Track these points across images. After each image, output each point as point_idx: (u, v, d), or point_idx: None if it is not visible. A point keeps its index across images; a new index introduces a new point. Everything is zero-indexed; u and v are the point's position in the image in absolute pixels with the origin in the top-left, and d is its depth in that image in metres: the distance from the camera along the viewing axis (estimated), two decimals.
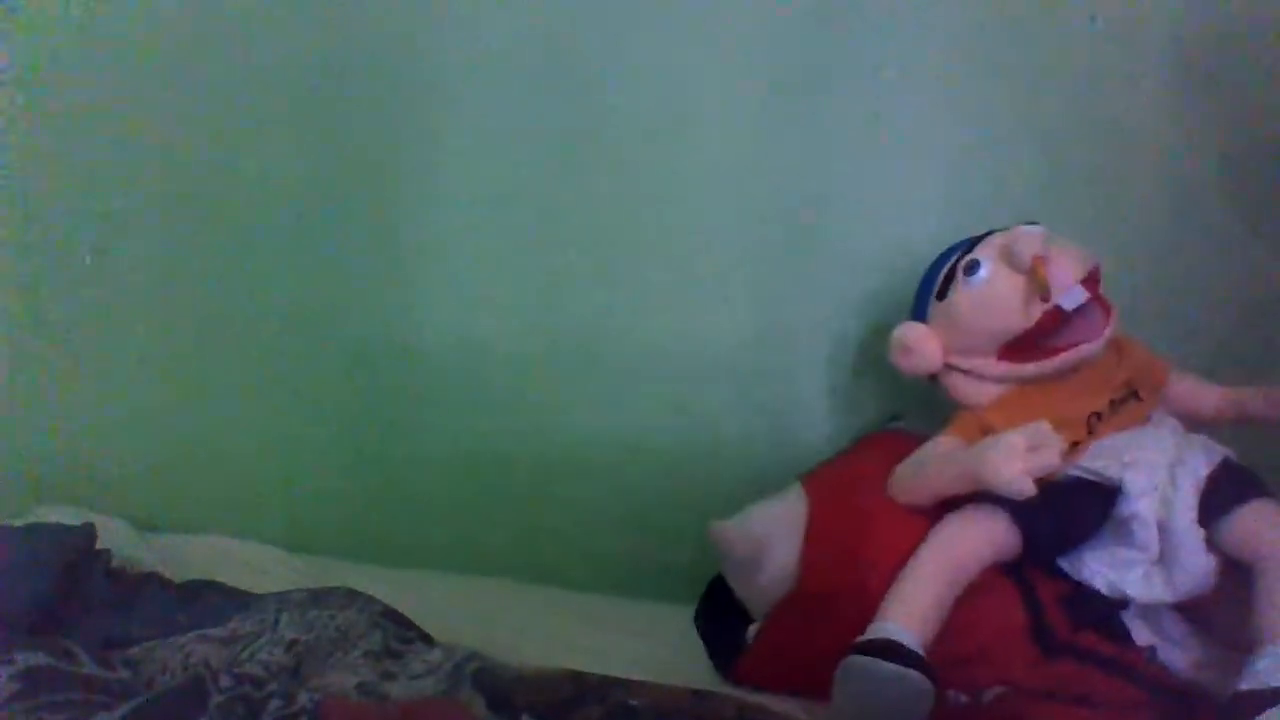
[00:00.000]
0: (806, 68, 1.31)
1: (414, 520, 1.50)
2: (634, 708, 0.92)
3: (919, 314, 1.14)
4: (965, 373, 1.10)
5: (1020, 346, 1.06)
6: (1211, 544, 0.97)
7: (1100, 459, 1.03)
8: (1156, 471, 0.99)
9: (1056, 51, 1.27)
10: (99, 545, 1.26)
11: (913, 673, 0.89)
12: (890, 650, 0.91)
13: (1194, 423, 1.13)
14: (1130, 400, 1.08)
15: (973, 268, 1.08)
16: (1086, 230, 1.29)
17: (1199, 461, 1.00)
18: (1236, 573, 0.96)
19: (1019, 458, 0.96)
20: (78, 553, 1.22)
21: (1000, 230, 1.11)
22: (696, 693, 0.96)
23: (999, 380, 1.08)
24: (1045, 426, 0.99)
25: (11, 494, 1.51)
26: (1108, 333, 1.05)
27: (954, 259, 1.12)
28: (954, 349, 1.10)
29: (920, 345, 1.10)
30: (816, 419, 1.36)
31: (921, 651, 0.93)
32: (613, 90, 1.35)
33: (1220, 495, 0.97)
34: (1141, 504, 0.98)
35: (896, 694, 0.90)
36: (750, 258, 1.37)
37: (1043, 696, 0.93)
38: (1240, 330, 1.25)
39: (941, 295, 1.11)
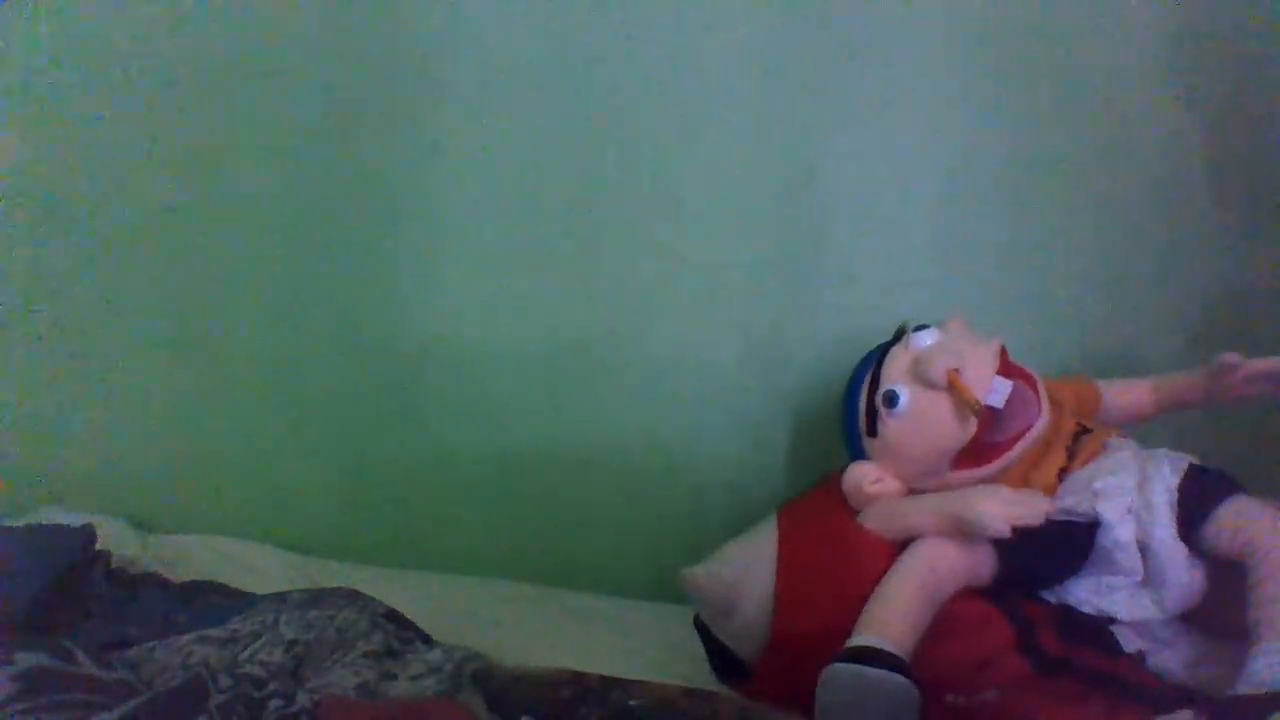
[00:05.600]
0: (809, 73, 1.31)
1: (413, 521, 1.50)
2: (634, 708, 0.93)
3: (858, 454, 1.13)
4: (929, 491, 1.09)
5: (969, 453, 1.06)
6: (1198, 551, 0.97)
7: (1070, 496, 1.03)
8: (1126, 494, 0.99)
9: (1057, 51, 1.28)
10: (99, 545, 1.26)
11: (895, 675, 0.89)
12: (871, 656, 0.91)
13: (1140, 422, 1.15)
14: (1083, 437, 1.09)
15: (891, 400, 1.08)
16: (1087, 227, 1.31)
17: (1165, 474, 0.99)
18: (1222, 569, 0.96)
19: (1002, 502, 0.98)
20: (78, 553, 1.22)
21: (894, 345, 1.11)
22: (695, 692, 0.96)
23: (962, 486, 1.07)
24: (1038, 494, 1.02)
25: (11, 494, 1.51)
26: (1044, 404, 1.06)
27: (864, 390, 1.11)
28: (908, 477, 1.10)
29: (879, 488, 1.10)
30: (813, 423, 1.36)
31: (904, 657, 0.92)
32: (617, 96, 1.35)
33: (1195, 502, 0.97)
34: (1120, 531, 0.98)
35: (881, 698, 0.89)
36: (749, 267, 1.37)
37: (1039, 696, 0.92)
38: (1229, 325, 1.27)
39: (872, 431, 1.10)
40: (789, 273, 1.36)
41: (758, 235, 1.36)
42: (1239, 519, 0.94)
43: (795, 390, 1.37)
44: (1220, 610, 0.96)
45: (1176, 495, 0.98)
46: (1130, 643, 0.98)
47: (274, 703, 0.89)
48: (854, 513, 1.11)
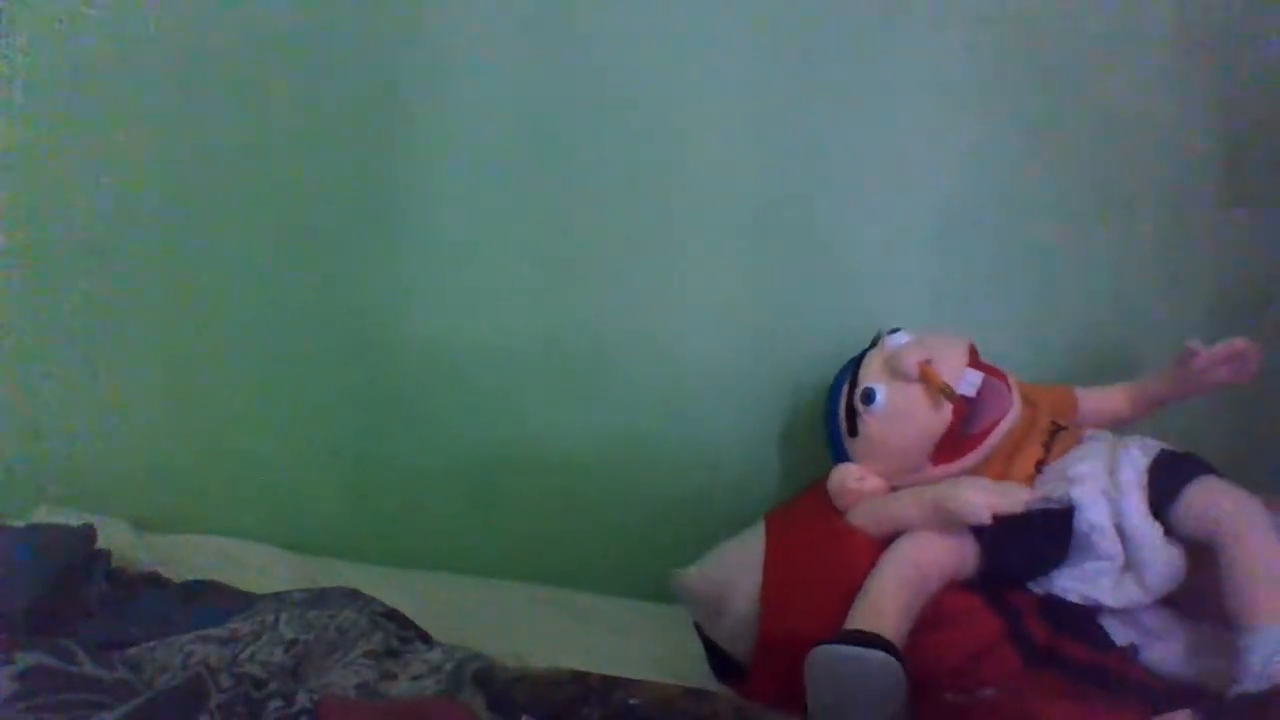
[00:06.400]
0: (809, 68, 1.31)
1: (414, 520, 1.50)
2: (634, 708, 0.93)
3: (842, 458, 1.16)
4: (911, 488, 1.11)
5: (947, 446, 1.09)
6: (1171, 533, 0.98)
7: (1046, 484, 1.05)
8: (1099, 478, 1.01)
9: (1059, 51, 1.28)
10: (99, 545, 1.26)
11: (873, 651, 0.89)
12: (852, 636, 0.92)
13: (1119, 425, 1.16)
14: (1059, 434, 1.11)
15: (869, 397, 1.11)
16: (1087, 228, 1.31)
17: (1135, 456, 1.01)
18: (1204, 549, 0.96)
19: (982, 491, 1.00)
20: (78, 553, 1.22)
21: (870, 350, 1.15)
22: (695, 692, 0.96)
23: (943, 479, 1.09)
24: (1018, 485, 1.04)
25: (11, 494, 1.51)
26: (1015, 396, 1.09)
27: (843, 393, 1.15)
28: (890, 474, 1.12)
29: (862, 485, 1.12)
30: (812, 423, 1.36)
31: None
32: (615, 94, 1.35)
33: (1165, 482, 0.98)
34: (1093, 512, 0.99)
35: (861, 674, 0.89)
36: (748, 262, 1.37)
37: (1037, 695, 0.92)
38: (1228, 325, 1.26)
39: (853, 431, 1.13)
40: (788, 273, 1.36)
41: (757, 235, 1.36)
42: (1203, 499, 0.96)
43: (794, 390, 1.37)
44: (1210, 593, 0.96)
45: (1146, 476, 0.99)
46: (1121, 635, 0.99)
47: (274, 703, 0.89)
48: (840, 514, 1.13)
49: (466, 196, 1.41)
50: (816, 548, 1.11)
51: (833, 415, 1.17)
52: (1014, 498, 1.01)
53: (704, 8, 1.32)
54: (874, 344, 1.17)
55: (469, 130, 1.39)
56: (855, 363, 1.16)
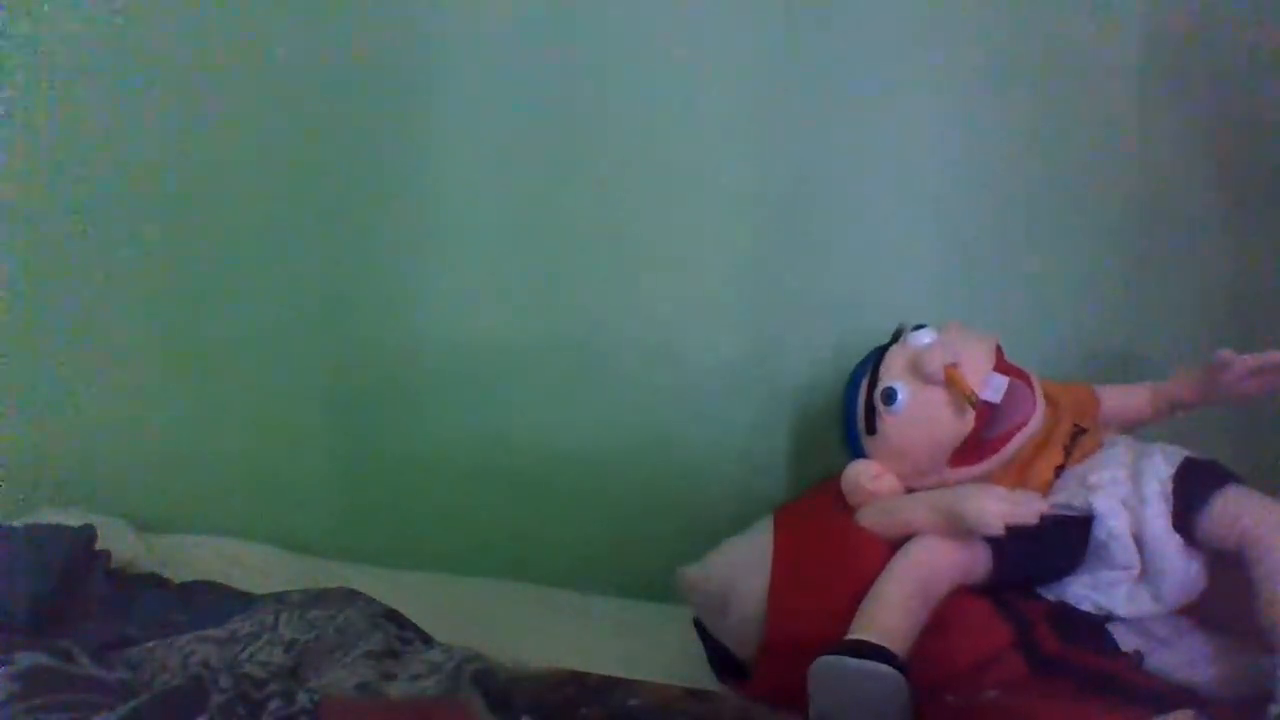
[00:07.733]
0: (810, 67, 1.31)
1: (413, 521, 1.50)
2: (634, 708, 0.93)
3: (857, 454, 1.14)
4: (927, 489, 1.10)
5: (967, 450, 1.07)
6: (1194, 543, 0.96)
7: (1064, 491, 1.03)
8: (1120, 487, 1.00)
9: (1058, 50, 1.28)
10: (99, 545, 1.26)
11: (878, 665, 0.89)
12: (856, 648, 0.91)
13: (1138, 427, 1.15)
14: (1080, 437, 1.09)
15: (890, 397, 1.08)
16: (1088, 227, 1.31)
17: (1159, 466, 1.00)
18: (1223, 560, 0.96)
19: (997, 500, 0.98)
20: (78, 553, 1.22)
21: (893, 345, 1.12)
22: (695, 693, 0.96)
23: (960, 483, 1.08)
24: (1034, 494, 1.02)
25: (11, 494, 1.51)
26: (1039, 401, 1.06)
27: (862, 389, 1.12)
28: (906, 475, 1.10)
29: (877, 484, 1.10)
30: (813, 422, 1.36)
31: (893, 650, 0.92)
32: (613, 92, 1.35)
33: (1189, 492, 0.97)
34: (1113, 522, 0.98)
35: (865, 688, 0.89)
36: (749, 260, 1.37)
37: (1038, 697, 0.92)
38: (1228, 323, 1.27)
39: (871, 429, 1.11)
40: (788, 271, 1.36)
41: (757, 233, 1.36)
42: (1234, 509, 0.94)
43: (795, 389, 1.37)
44: (1223, 603, 0.95)
45: (1170, 486, 0.98)
46: (1127, 641, 0.98)
47: (274, 703, 0.89)
48: (850, 514, 1.11)
49: (465, 196, 1.41)
50: (826, 547, 1.09)
51: (850, 410, 1.14)
52: (1029, 508, 0.99)
53: (704, 7, 1.32)
54: (896, 339, 1.13)
55: (468, 129, 1.39)
56: (875, 357, 1.13)
